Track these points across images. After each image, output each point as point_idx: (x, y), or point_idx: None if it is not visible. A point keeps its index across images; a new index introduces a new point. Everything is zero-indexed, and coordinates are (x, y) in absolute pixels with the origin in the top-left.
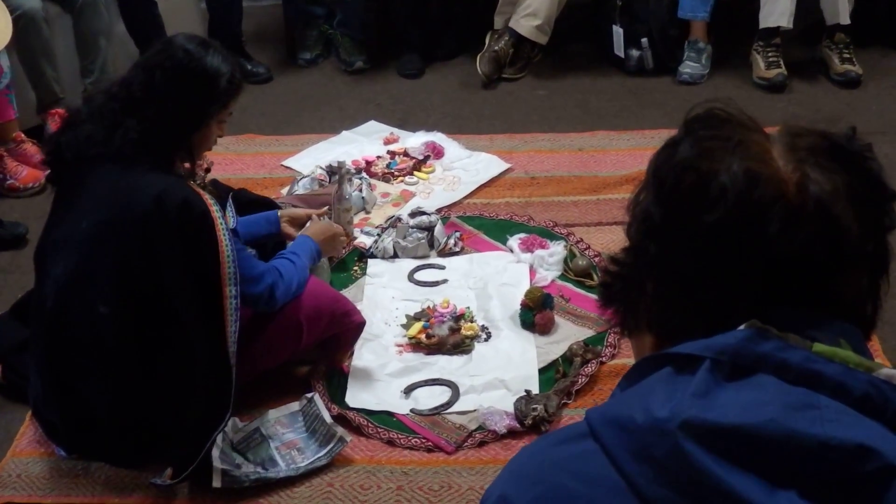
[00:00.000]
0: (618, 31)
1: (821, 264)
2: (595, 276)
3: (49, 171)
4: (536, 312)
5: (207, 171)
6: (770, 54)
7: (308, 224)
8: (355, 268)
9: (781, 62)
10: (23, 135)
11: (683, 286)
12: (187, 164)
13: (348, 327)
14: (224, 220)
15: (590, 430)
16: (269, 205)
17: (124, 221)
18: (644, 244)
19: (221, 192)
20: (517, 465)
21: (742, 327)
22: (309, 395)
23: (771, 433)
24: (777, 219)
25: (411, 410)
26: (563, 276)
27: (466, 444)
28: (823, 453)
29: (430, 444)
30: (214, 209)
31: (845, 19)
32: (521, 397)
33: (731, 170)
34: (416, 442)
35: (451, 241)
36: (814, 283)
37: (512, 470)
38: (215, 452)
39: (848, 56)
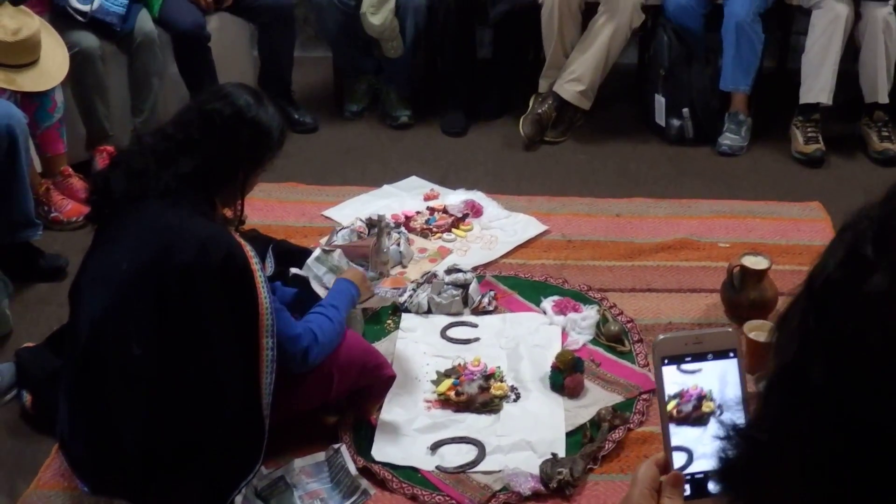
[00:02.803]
0: (660, 100)
1: None
2: (626, 342)
3: (91, 210)
4: (566, 375)
5: (242, 222)
6: (809, 129)
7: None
8: (389, 321)
9: (820, 137)
10: (70, 169)
11: (853, 488)
12: (229, 212)
13: (378, 380)
14: (263, 271)
15: None
16: (308, 255)
17: (165, 266)
18: (795, 413)
19: (261, 242)
20: None
21: None
22: (336, 446)
23: None
24: None
25: (436, 467)
26: (594, 341)
27: None
28: None
29: (453, 501)
30: (254, 260)
31: (884, 98)
32: (547, 460)
33: None
34: (439, 499)
35: (486, 300)
36: None
37: None
38: (238, 498)
39: (886, 134)
